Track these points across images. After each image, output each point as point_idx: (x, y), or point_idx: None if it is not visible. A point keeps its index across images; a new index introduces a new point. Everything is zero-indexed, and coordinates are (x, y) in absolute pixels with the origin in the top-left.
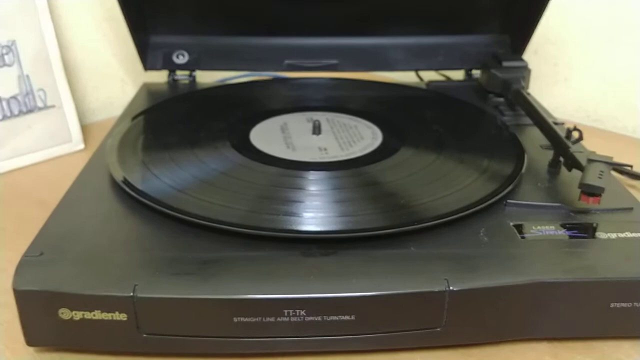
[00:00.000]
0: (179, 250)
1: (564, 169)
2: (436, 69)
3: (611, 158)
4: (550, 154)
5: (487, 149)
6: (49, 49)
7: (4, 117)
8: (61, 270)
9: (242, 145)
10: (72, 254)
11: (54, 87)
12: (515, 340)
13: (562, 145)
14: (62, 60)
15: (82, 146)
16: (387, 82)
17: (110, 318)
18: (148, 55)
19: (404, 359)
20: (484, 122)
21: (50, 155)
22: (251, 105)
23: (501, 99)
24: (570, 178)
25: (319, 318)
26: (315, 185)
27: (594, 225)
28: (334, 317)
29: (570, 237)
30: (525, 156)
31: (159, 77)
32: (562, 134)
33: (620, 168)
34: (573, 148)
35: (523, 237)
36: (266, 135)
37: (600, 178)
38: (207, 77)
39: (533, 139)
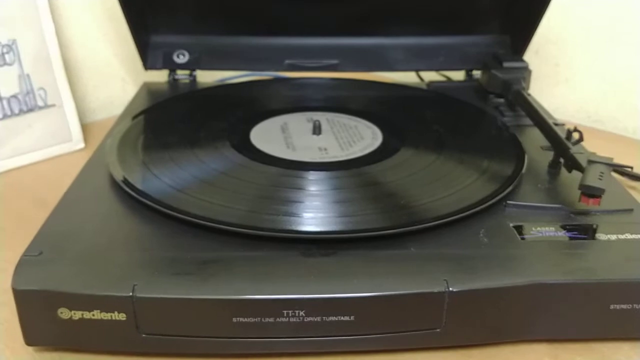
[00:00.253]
0: (178, 250)
1: (564, 170)
2: (437, 70)
3: (611, 159)
4: (550, 155)
5: (487, 149)
6: (50, 48)
7: (5, 116)
8: (60, 269)
9: (242, 145)
10: (71, 254)
11: (55, 86)
12: (515, 341)
13: (563, 146)
14: (62, 60)
15: (82, 145)
16: (387, 82)
17: (109, 318)
18: (148, 54)
19: (403, 359)
20: (484, 123)
21: (51, 154)
22: (251, 105)
23: (501, 100)
24: (570, 179)
25: (319, 318)
26: (315, 186)
27: (594, 226)
28: (334, 318)
29: (570, 238)
30: (526, 157)
31: (160, 76)
32: (563, 135)
33: (620, 169)
34: (573, 149)
35: (523, 238)
36: (266, 135)
37: (600, 179)
38: (207, 77)
39: (533, 140)
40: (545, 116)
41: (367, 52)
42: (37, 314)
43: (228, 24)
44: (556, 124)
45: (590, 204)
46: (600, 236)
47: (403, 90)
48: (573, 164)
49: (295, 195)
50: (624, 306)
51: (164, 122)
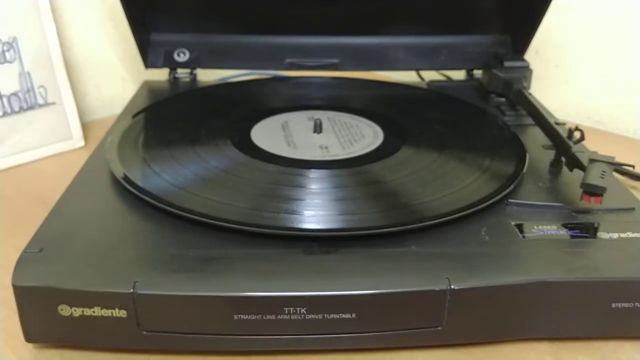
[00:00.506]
0: (179, 248)
1: (565, 169)
2: (437, 69)
3: (613, 158)
4: (551, 154)
5: (489, 148)
6: (50, 46)
7: (5, 114)
8: (61, 266)
9: (243, 143)
10: (72, 251)
11: (55, 84)
12: (517, 339)
13: (564, 145)
14: (63, 58)
15: (82, 143)
16: (388, 81)
17: (110, 315)
18: (149, 53)
19: (404, 357)
20: (485, 122)
21: (51, 152)
22: (252, 104)
23: (502, 99)
24: (571, 178)
25: (320, 316)
26: (316, 184)
27: (596, 225)
28: (335, 315)
29: (572, 237)
30: (527, 156)
31: (160, 75)
32: (564, 134)
33: (621, 169)
34: (575, 148)
35: (524, 237)
36: (267, 134)
37: (602, 178)
38: (208, 76)
39: (534, 139)
40: (547, 115)
41: (368, 51)
42: (37, 310)
43: (228, 22)
44: (557, 123)
45: (591, 203)
46: (602, 235)
47: (404, 89)
48: (574, 163)
49: (297, 193)
50: (625, 305)
51: (164, 120)
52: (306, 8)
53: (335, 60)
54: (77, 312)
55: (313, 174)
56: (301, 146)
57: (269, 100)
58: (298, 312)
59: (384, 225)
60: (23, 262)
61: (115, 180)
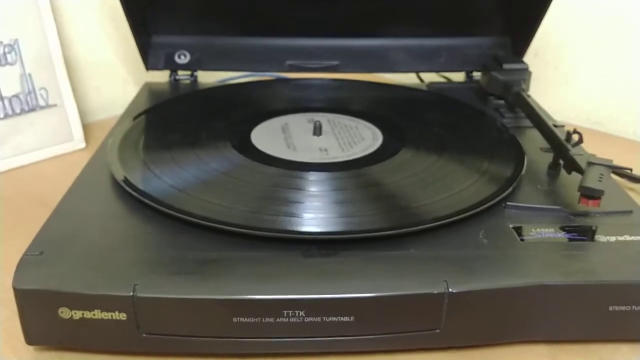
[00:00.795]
0: (179, 250)
1: (563, 172)
2: (437, 71)
3: (611, 161)
4: (550, 157)
5: (487, 151)
6: (51, 48)
7: (6, 116)
8: (61, 269)
9: (243, 146)
10: (72, 253)
11: (56, 86)
12: (515, 342)
13: (562, 147)
14: (64, 59)
15: (83, 145)
16: (387, 83)
17: (110, 317)
18: (150, 55)
19: None
20: (484, 124)
21: (52, 153)
22: (252, 106)
23: (501, 101)
24: (570, 181)
25: (319, 319)
26: (315, 186)
27: (593, 228)
28: (334, 318)
29: (570, 239)
30: (525, 158)
31: (161, 76)
32: (562, 136)
33: (620, 171)
34: (573, 151)
35: (522, 240)
36: (267, 136)
37: (600, 181)
38: (208, 77)
39: (533, 142)
40: (545, 118)
41: (368, 53)
42: (37, 313)
43: (229, 24)
44: (556, 126)
45: (589, 206)
46: (600, 238)
47: (403, 91)
48: (572, 166)
49: (296, 195)
50: (623, 308)
51: (165, 122)
52: (306, 10)
53: (335, 62)
54: (77, 314)
55: (312, 176)
56: (301, 148)
57: (269, 102)
58: (297, 314)
59: (383, 228)
60: (24, 265)
61: (115, 182)
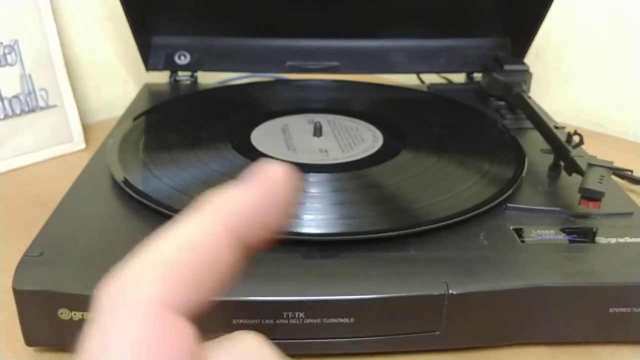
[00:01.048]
0: None
1: (564, 173)
2: (437, 72)
3: (612, 163)
4: (550, 158)
5: (488, 152)
6: (51, 49)
7: (6, 117)
8: (61, 270)
9: (243, 147)
10: (72, 254)
11: (56, 86)
12: (515, 344)
13: (563, 149)
14: (64, 60)
15: (83, 146)
16: (388, 84)
17: None
18: (150, 55)
19: None
20: (484, 126)
21: (52, 154)
22: (252, 107)
23: (502, 103)
24: (570, 182)
25: (319, 320)
26: (315, 187)
27: (594, 229)
28: (334, 320)
29: (570, 241)
30: (526, 160)
31: (161, 77)
32: (563, 138)
33: (620, 173)
34: (573, 152)
35: (523, 241)
36: (267, 137)
37: (600, 183)
38: (208, 78)
39: (534, 143)
40: (546, 119)
41: (368, 54)
42: (37, 314)
43: (229, 25)
44: (556, 127)
45: (590, 207)
46: (600, 239)
47: (404, 92)
48: (573, 167)
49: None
50: (623, 309)
51: (165, 123)
52: (306, 11)
53: (336, 63)
54: (77, 315)
55: (313, 177)
56: (301, 149)
57: (269, 103)
58: (297, 316)
59: (384, 230)
60: (23, 266)
61: (115, 183)
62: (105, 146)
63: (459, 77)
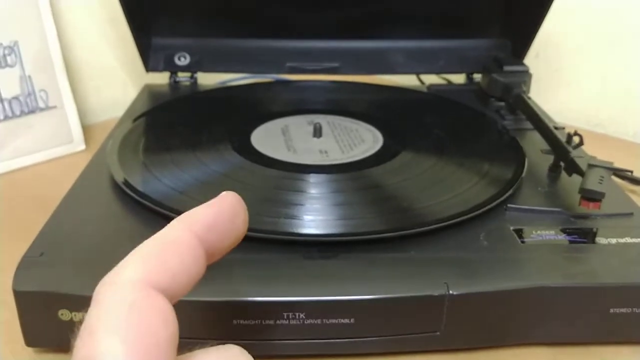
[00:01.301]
0: None
1: (564, 174)
2: (437, 73)
3: (612, 163)
4: (550, 159)
5: (488, 153)
6: (51, 50)
7: (6, 118)
8: (61, 271)
9: (243, 148)
10: (72, 255)
11: (56, 87)
12: (515, 344)
13: (563, 150)
14: (64, 61)
15: (83, 147)
16: (388, 85)
17: None
18: (150, 56)
19: None
20: (484, 126)
21: (52, 155)
22: (252, 108)
23: (502, 103)
24: (570, 183)
25: (319, 321)
26: (315, 188)
27: (594, 230)
28: (334, 320)
29: (570, 242)
30: (526, 160)
31: (161, 78)
32: (563, 138)
33: (620, 173)
34: (573, 153)
35: (523, 242)
36: (267, 138)
37: (600, 183)
38: (208, 79)
39: (534, 144)
40: (546, 120)
41: (368, 55)
42: (37, 315)
43: (229, 26)
44: (556, 128)
45: (590, 208)
46: (600, 240)
47: (404, 93)
48: (573, 168)
49: (296, 197)
50: (623, 310)
51: (165, 124)
52: (306, 12)
53: (336, 64)
54: (77, 316)
55: (313, 178)
56: (301, 150)
57: (269, 104)
58: (297, 317)
59: (383, 230)
60: (23, 267)
61: (115, 184)
62: (105, 147)
63: (458, 78)
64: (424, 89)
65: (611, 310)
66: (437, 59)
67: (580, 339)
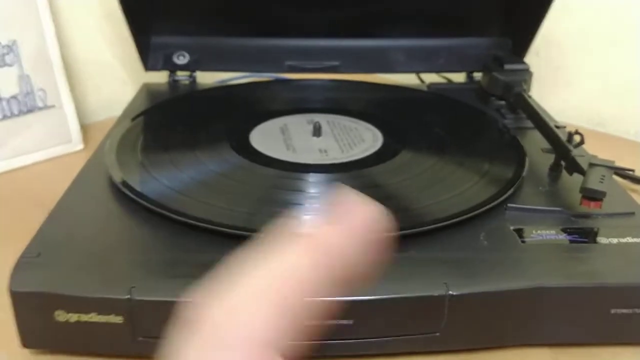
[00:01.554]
0: (176, 253)
1: (565, 173)
2: (437, 71)
3: (613, 162)
4: (551, 158)
5: (488, 152)
6: (50, 49)
7: (4, 117)
8: (58, 271)
9: (242, 147)
10: (69, 256)
11: (54, 87)
12: (516, 345)
13: (564, 148)
14: (62, 60)
15: (81, 146)
16: (388, 84)
17: (106, 321)
18: (149, 55)
19: None
20: (485, 125)
21: (50, 155)
22: (251, 107)
23: (502, 102)
24: (571, 182)
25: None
26: (315, 188)
27: (595, 230)
28: (332, 321)
29: (571, 241)
30: (527, 160)
31: (160, 77)
32: (564, 137)
33: (622, 172)
34: (574, 152)
35: (523, 242)
36: (266, 137)
37: (601, 182)
38: (207, 78)
39: (534, 143)
40: (547, 118)
41: (368, 53)
42: (34, 316)
43: (228, 25)
44: (557, 127)
45: (591, 207)
46: (601, 240)
47: (404, 92)
48: (574, 167)
49: (295, 197)
50: (625, 310)
51: (163, 123)
52: (306, 10)
53: (335, 63)
54: (73, 317)
55: (312, 177)
56: (300, 150)
57: (269, 103)
58: None
59: None
60: (20, 267)
61: (113, 184)
62: (103, 147)
63: (459, 77)
64: (424, 88)
65: (612, 311)
66: (437, 57)
67: (581, 339)
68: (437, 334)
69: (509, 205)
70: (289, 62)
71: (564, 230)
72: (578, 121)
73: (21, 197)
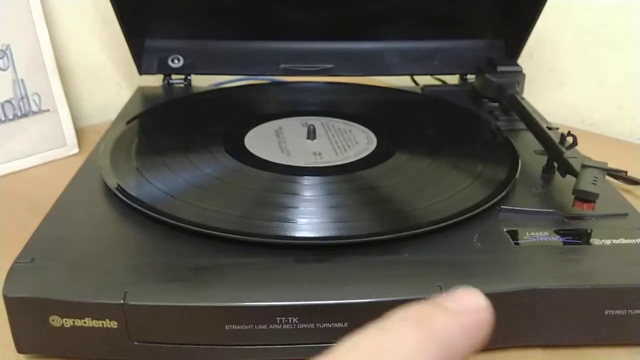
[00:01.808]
0: (171, 257)
1: (558, 175)
2: (431, 74)
3: (606, 164)
4: (544, 160)
5: (482, 154)
6: (44, 53)
7: None
8: (52, 276)
9: (237, 150)
10: (63, 260)
11: (49, 91)
12: (509, 347)
13: (556, 150)
14: (56, 64)
15: (76, 150)
16: (382, 86)
17: (100, 325)
18: (143, 59)
19: None
20: (478, 127)
21: (45, 159)
22: (246, 110)
23: (496, 104)
24: (564, 184)
25: (312, 325)
26: (309, 191)
27: (588, 231)
28: (327, 325)
29: (565, 243)
30: (520, 161)
31: (155, 80)
32: (556, 139)
33: (615, 173)
34: (567, 153)
35: (517, 243)
36: (261, 140)
37: (594, 184)
38: (202, 81)
39: (527, 144)
40: (539, 120)
41: (362, 56)
42: (28, 321)
43: (223, 28)
44: (550, 128)
45: (584, 209)
46: (595, 241)
47: (398, 94)
48: (567, 169)
49: (289, 200)
50: (618, 312)
51: (157, 126)
52: (300, 13)
53: (330, 66)
54: (68, 322)
55: (306, 180)
56: (295, 152)
57: (263, 106)
58: (290, 321)
59: (377, 233)
60: (14, 273)
61: (107, 188)
62: (97, 150)
63: (452, 79)
64: (418, 90)
65: (606, 312)
66: (431, 59)
67: (575, 341)
68: None
69: (502, 207)
70: (283, 65)
71: (557, 232)
72: (572, 122)
73: (16, 201)
